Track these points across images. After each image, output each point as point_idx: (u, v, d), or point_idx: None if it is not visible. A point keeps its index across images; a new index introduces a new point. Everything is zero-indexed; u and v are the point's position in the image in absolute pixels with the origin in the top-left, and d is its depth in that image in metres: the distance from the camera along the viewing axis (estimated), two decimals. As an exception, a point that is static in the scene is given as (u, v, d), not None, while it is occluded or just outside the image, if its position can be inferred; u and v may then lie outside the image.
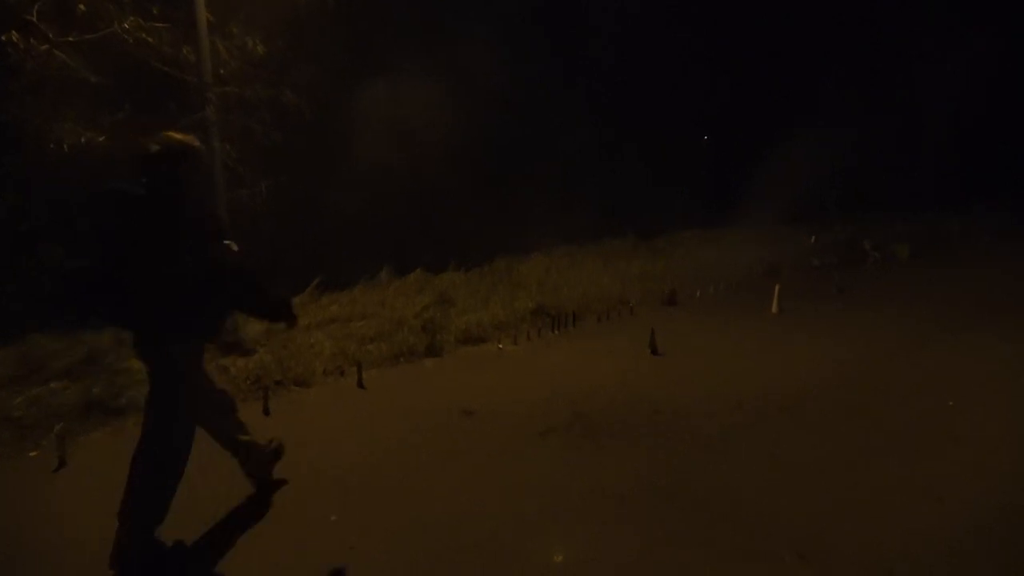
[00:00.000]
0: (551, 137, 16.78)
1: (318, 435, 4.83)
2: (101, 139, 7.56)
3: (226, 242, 3.21)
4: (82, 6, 7.32)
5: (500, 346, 6.99)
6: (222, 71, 8.42)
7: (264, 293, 3.36)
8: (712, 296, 9.15)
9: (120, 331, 6.46)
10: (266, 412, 5.39)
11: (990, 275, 9.90)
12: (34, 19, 7.22)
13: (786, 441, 4.50)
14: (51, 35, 7.33)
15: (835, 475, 4.01)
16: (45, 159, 7.51)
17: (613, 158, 17.49)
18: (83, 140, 7.46)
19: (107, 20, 7.46)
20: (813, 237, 12.69)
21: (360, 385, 5.92)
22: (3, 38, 7.06)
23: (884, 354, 6.36)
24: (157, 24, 7.75)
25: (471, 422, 5.04)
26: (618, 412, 5.08)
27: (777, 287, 8.05)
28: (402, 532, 3.53)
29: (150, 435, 3.28)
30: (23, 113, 7.50)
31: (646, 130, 17.88)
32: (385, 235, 13.12)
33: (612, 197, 16.61)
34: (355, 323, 7.81)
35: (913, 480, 3.92)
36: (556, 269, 11.16)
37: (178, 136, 3.20)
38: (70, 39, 7.43)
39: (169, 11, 7.87)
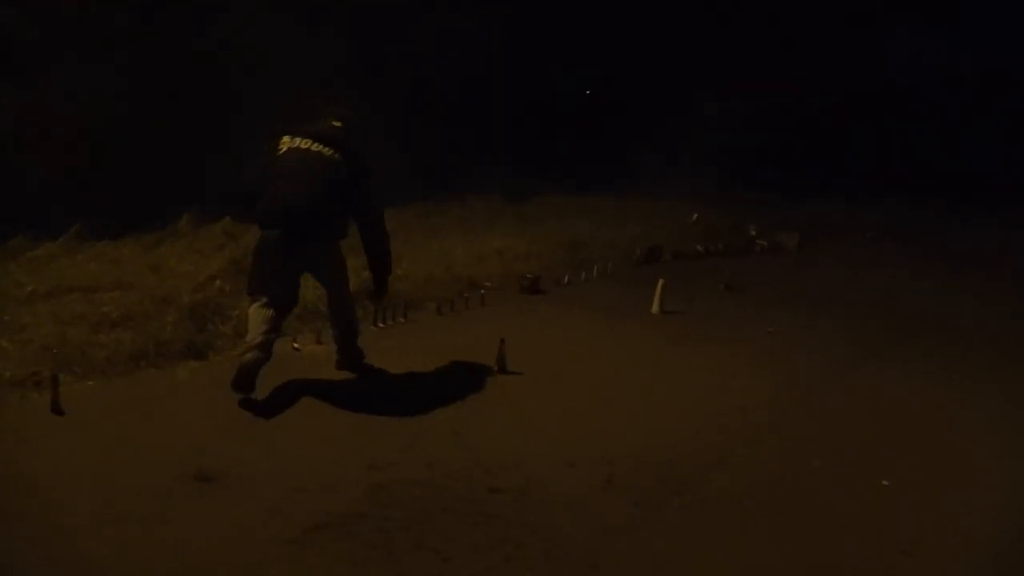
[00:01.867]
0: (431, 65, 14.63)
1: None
2: None
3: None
4: None
5: (296, 345, 5.11)
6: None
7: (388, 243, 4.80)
8: (583, 284, 7.60)
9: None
10: None
11: (886, 275, 8.95)
12: None
13: (676, 551, 2.96)
14: None
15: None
16: None
17: (492, 97, 15.54)
18: None
19: None
20: (695, 215, 11.47)
21: (55, 410, 3.87)
22: None
23: (785, 386, 5.02)
24: None
25: (204, 500, 3.17)
26: (440, 484, 3.39)
27: (660, 284, 6.59)
28: None
29: (341, 293, 4.71)
30: None
31: (531, 74, 16.04)
32: (202, 170, 10.62)
33: (486, 145, 14.77)
34: (105, 294, 5.63)
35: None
36: (404, 232, 9.24)
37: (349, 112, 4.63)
38: None
39: None
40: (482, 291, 6.65)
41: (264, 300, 4.24)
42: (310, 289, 5.79)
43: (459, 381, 4.68)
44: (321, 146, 4.32)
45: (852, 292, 8.05)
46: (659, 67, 17.13)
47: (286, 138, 4.40)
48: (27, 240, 7.35)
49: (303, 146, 4.31)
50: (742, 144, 15.64)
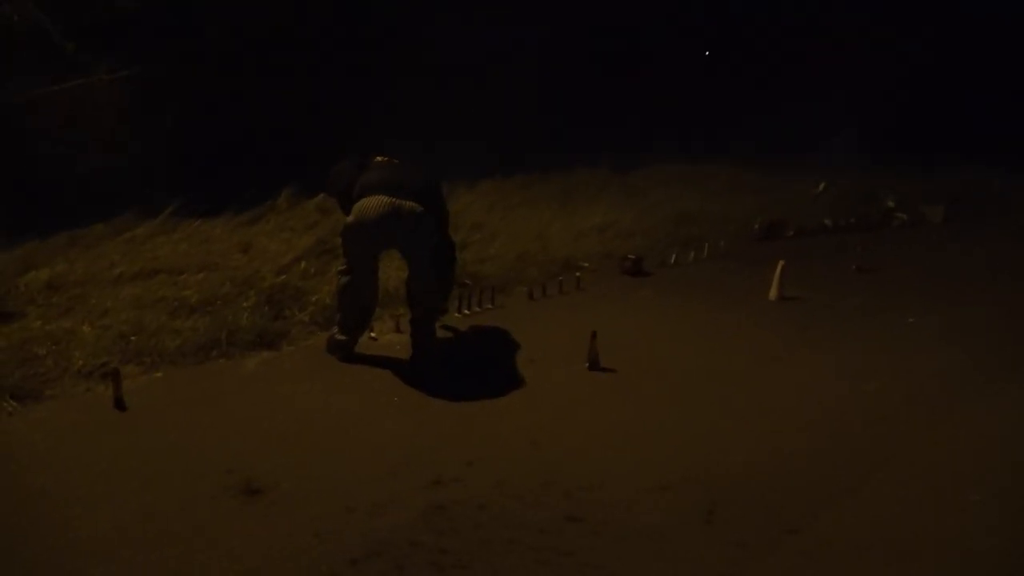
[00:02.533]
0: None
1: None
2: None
3: None
4: None
5: (373, 335, 4.77)
6: None
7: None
8: (691, 265, 6.89)
9: None
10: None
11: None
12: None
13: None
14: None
15: None
16: None
17: (594, 65, 14.75)
18: None
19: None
20: (821, 184, 10.34)
21: (118, 405, 3.70)
22: None
23: (931, 393, 4.23)
24: None
25: (247, 516, 2.87)
26: (507, 514, 2.94)
27: (780, 265, 5.82)
28: None
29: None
30: None
31: (637, 36, 15.10)
32: (303, 145, 10.56)
33: (589, 113, 14.04)
34: (189, 276, 5.52)
35: None
36: (502, 207, 8.83)
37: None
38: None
39: None
40: (578, 273, 6.11)
41: None
42: (393, 273, 5.48)
43: (543, 380, 4.21)
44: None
45: (1009, 276, 6.91)
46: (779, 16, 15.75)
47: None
48: (132, 217, 7.43)
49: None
50: (877, 100, 14.12)
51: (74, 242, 6.62)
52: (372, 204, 4.12)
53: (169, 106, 9.00)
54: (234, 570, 2.53)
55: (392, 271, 5.77)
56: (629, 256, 6.43)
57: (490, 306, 5.43)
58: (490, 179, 10.26)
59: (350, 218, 4.23)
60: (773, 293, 5.83)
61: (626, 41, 15.14)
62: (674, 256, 6.85)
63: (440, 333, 4.68)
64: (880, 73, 14.68)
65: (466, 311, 5.29)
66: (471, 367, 4.44)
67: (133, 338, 4.42)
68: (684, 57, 16.18)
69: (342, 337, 4.37)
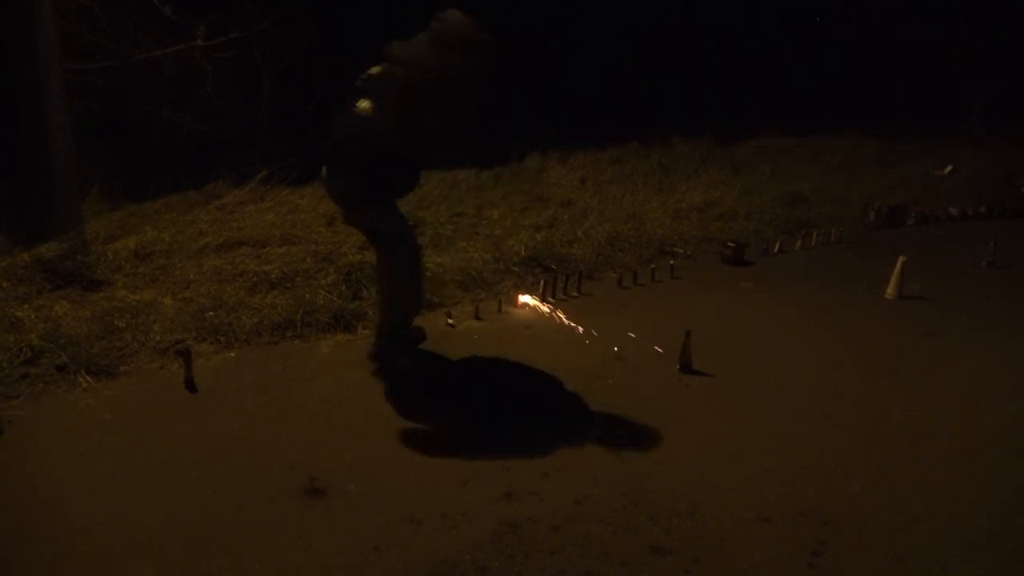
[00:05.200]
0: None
1: (27, 503, 2.57)
2: None
3: None
4: None
5: (450, 321, 4.53)
6: None
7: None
8: (800, 254, 6.33)
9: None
10: None
11: None
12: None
13: None
14: None
15: None
16: None
17: (694, 32, 13.97)
18: None
19: None
20: (948, 167, 9.43)
21: (189, 386, 3.62)
22: None
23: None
24: None
25: (307, 521, 2.69)
26: (585, 536, 2.65)
27: (900, 261, 5.22)
28: None
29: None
30: None
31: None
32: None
33: (692, 82, 13.33)
34: (271, 250, 5.44)
35: None
36: (595, 181, 8.44)
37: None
38: None
39: None
40: (672, 261, 5.69)
41: None
42: (476, 254, 5.23)
43: (630, 383, 3.86)
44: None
45: None
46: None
47: None
48: (225, 184, 7.47)
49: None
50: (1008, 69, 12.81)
51: (168, 208, 6.69)
52: None
53: (265, 73, 9.01)
54: (285, 580, 2.35)
55: (474, 252, 5.54)
56: (729, 243, 5.94)
57: (576, 294, 5.09)
58: (584, 151, 9.86)
59: None
60: (891, 291, 5.25)
61: (736, 7, 14.30)
62: (780, 243, 6.30)
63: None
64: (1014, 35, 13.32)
65: (551, 300, 4.97)
66: (544, 369, 4.12)
67: (210, 313, 4.35)
68: (798, 24, 15.16)
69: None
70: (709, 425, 3.49)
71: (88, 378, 3.59)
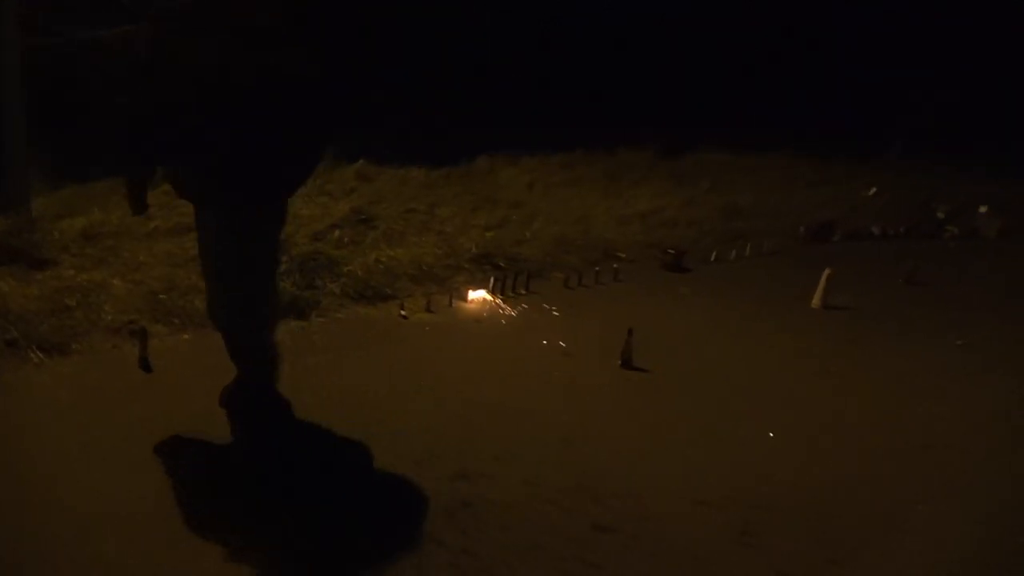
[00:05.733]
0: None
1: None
2: None
3: None
4: None
5: (403, 312, 4.66)
6: None
7: None
8: (735, 263, 6.68)
9: None
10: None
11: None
12: None
13: None
14: None
15: None
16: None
17: (649, 41, 14.35)
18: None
19: None
20: (872, 189, 10.03)
21: (143, 365, 3.65)
22: None
23: (984, 419, 4.01)
24: None
25: (274, 489, 2.79)
26: (534, 516, 2.82)
27: (825, 273, 5.59)
28: None
29: None
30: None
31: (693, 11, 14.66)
32: (348, 104, 10.42)
33: (639, 92, 13.70)
34: (224, 236, 5.43)
35: None
36: (543, 185, 8.67)
37: None
38: None
39: None
40: (616, 265, 5.93)
41: None
42: (428, 248, 5.37)
43: (577, 374, 4.07)
44: None
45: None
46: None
47: None
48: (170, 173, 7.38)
49: None
50: (940, 95, 13.60)
51: (113, 190, 6.58)
52: None
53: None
54: (244, 557, 2.44)
55: (426, 247, 5.67)
56: (669, 250, 6.24)
57: (523, 292, 5.27)
58: (531, 155, 10.07)
59: None
60: (816, 301, 5.61)
61: (678, 17, 14.74)
62: (715, 253, 6.63)
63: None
64: (948, 67, 14.09)
65: (499, 295, 5.14)
66: (493, 359, 4.29)
67: (163, 296, 4.36)
68: (741, 41, 15.68)
69: None
70: (648, 417, 3.72)
71: (40, 354, 3.58)
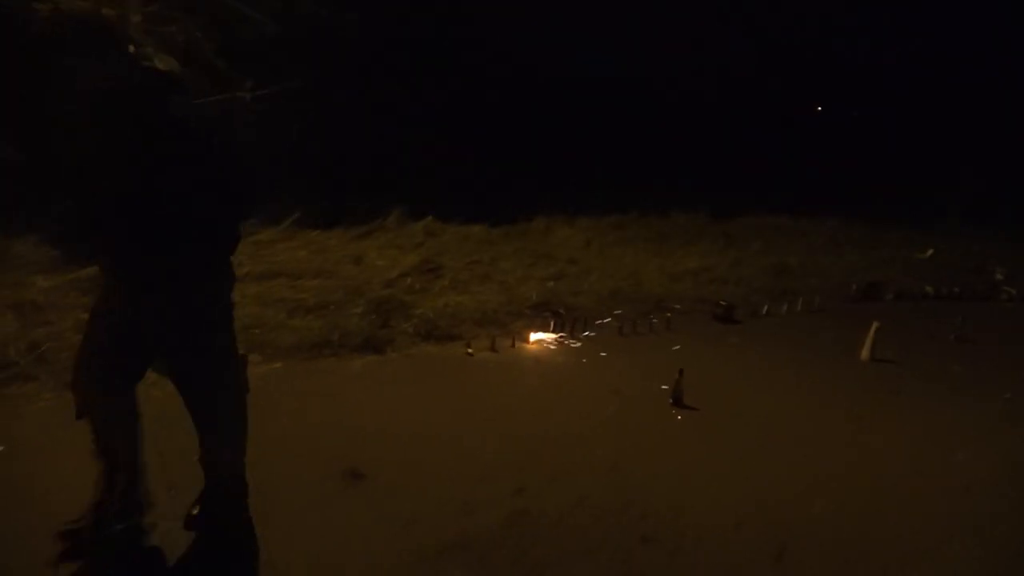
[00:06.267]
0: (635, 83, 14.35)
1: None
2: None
3: None
4: None
5: (469, 351, 5.06)
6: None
7: None
8: (784, 318, 6.91)
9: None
10: (79, 414, 3.61)
11: None
12: None
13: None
14: None
15: None
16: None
17: (703, 114, 14.91)
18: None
19: None
20: (929, 251, 10.14)
21: (245, 387, 4.11)
22: None
23: (1013, 475, 4.12)
24: None
25: (349, 496, 3.17)
26: (584, 527, 3.13)
27: (874, 326, 5.80)
28: None
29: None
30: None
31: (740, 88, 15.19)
32: (413, 169, 11.21)
33: (693, 162, 14.20)
34: (305, 282, 5.99)
35: None
36: (598, 244, 9.09)
37: None
38: None
39: None
40: (669, 314, 6.25)
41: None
42: (492, 296, 5.78)
43: (628, 410, 4.38)
44: None
45: None
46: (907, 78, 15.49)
47: None
48: (257, 224, 8.07)
49: None
50: (997, 164, 13.71)
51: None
52: None
53: (298, 124, 9.73)
54: (332, 547, 2.81)
55: (489, 295, 6.10)
56: (721, 302, 6.53)
57: (581, 337, 5.62)
58: (587, 216, 10.55)
59: None
60: (865, 354, 5.81)
61: (733, 89, 15.27)
62: (766, 307, 6.88)
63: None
64: (998, 138, 14.24)
65: (558, 338, 5.51)
66: (552, 393, 4.62)
67: (256, 331, 4.87)
68: (796, 109, 16.11)
69: None
70: (695, 449, 3.99)
71: (154, 375, 4.07)
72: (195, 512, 2.81)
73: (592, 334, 5.71)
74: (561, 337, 5.53)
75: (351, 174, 9.78)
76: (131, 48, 2.56)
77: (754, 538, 3.19)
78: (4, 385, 3.84)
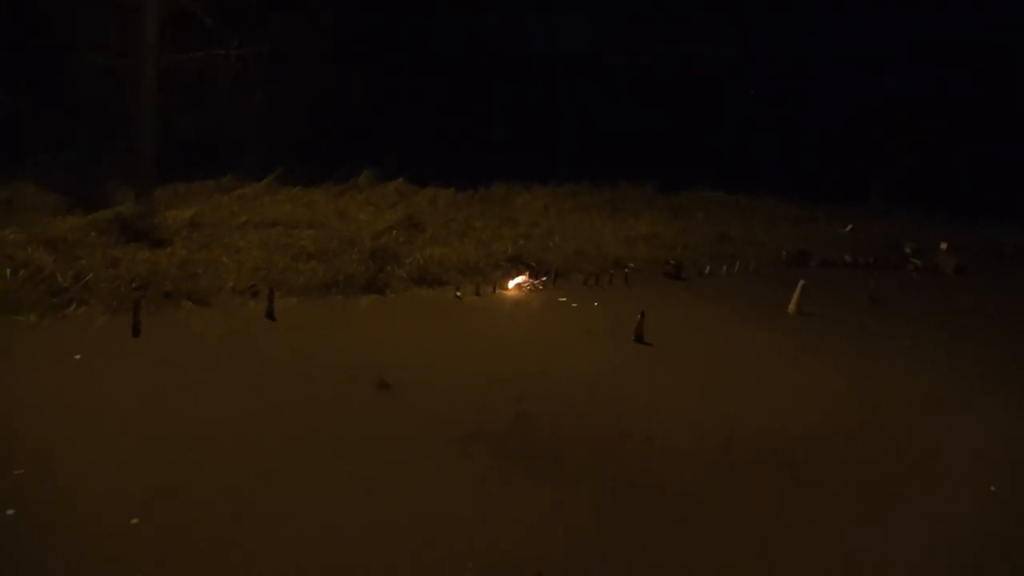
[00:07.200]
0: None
1: (182, 378, 3.66)
2: None
3: None
4: None
5: (458, 294, 5.75)
6: None
7: None
8: (724, 277, 7.83)
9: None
10: (135, 332, 4.19)
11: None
12: None
13: (783, 517, 3.29)
14: None
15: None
16: None
17: (649, 93, 15.77)
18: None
19: None
20: (849, 227, 11.27)
21: (269, 316, 4.72)
22: None
23: (914, 403, 5.07)
24: None
25: (380, 402, 3.84)
26: (575, 424, 3.88)
27: (800, 284, 6.73)
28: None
29: None
30: None
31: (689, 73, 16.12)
32: (381, 133, 11.73)
33: (639, 138, 15.07)
34: (301, 231, 6.54)
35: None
36: (556, 210, 9.83)
37: None
38: None
39: None
40: (626, 271, 7.06)
41: None
42: (470, 249, 6.45)
43: (599, 344, 5.15)
44: None
45: (1010, 322, 7.76)
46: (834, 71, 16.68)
47: None
48: (236, 179, 8.52)
49: None
50: (911, 156, 15.05)
51: (191, 192, 7.69)
52: None
53: (272, 85, 10.10)
54: (367, 439, 3.48)
55: (469, 248, 6.76)
56: (671, 261, 7.37)
57: (552, 284, 6.37)
58: (541, 185, 11.28)
59: None
60: (793, 307, 6.73)
61: (676, 71, 16.17)
62: (709, 268, 7.77)
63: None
64: (922, 132, 15.56)
65: (531, 288, 6.24)
66: (539, 327, 5.35)
67: (265, 272, 5.43)
68: (734, 95, 17.14)
69: None
70: (655, 373, 4.80)
71: (190, 303, 4.63)
72: None
73: (558, 284, 6.44)
74: (535, 285, 6.25)
75: (323, 137, 10.23)
76: None
77: (707, 432, 4.00)
78: (62, 308, 4.33)
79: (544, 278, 6.17)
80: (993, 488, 3.85)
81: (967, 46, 15.65)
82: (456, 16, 13.48)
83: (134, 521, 2.60)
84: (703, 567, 2.80)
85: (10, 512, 2.57)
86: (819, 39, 16.53)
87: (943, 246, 10.28)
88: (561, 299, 6.14)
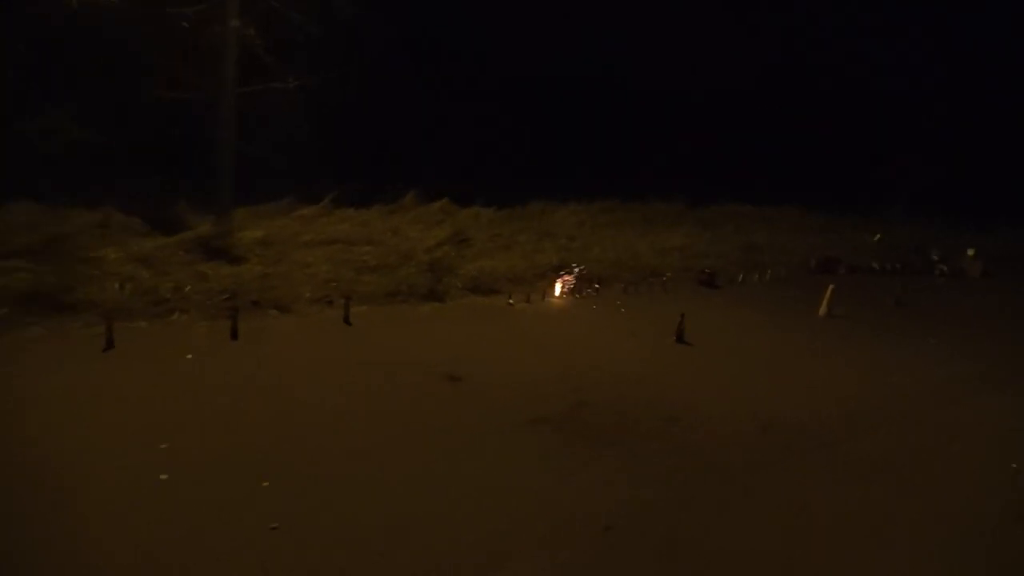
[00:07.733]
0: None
1: (282, 372, 4.18)
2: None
3: None
4: None
5: (511, 301, 6.24)
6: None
7: None
8: (756, 284, 8.24)
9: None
10: (234, 335, 4.73)
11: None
12: None
13: (817, 491, 3.70)
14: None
15: (865, 543, 3.25)
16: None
17: (678, 113, 16.25)
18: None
19: None
20: (877, 236, 11.59)
21: (346, 321, 5.24)
22: None
23: (939, 394, 5.43)
24: None
25: (454, 391, 4.32)
26: (628, 410, 4.32)
27: (830, 288, 7.13)
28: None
29: None
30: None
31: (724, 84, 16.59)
32: (423, 156, 12.35)
33: (667, 156, 15.54)
34: (360, 248, 7.08)
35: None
36: (591, 225, 10.30)
37: None
38: None
39: None
40: (664, 279, 7.50)
41: None
42: (517, 261, 6.95)
43: (643, 344, 5.60)
44: None
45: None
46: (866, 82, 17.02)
47: None
48: (295, 202, 9.12)
49: None
50: (940, 163, 15.35)
51: (253, 215, 8.29)
52: None
53: (327, 114, 10.74)
54: (445, 420, 3.95)
55: (516, 260, 7.26)
56: (705, 270, 7.80)
57: (597, 286, 6.84)
58: (575, 202, 11.78)
59: None
60: (823, 310, 7.12)
61: (700, 90, 16.65)
62: (741, 276, 8.18)
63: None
64: (945, 140, 15.85)
65: (580, 295, 6.71)
66: (588, 328, 5.82)
67: (335, 283, 5.96)
68: (758, 111, 17.55)
69: None
70: (696, 369, 5.23)
71: (275, 311, 5.17)
72: None
73: (603, 295, 6.91)
74: (580, 293, 6.72)
75: (371, 161, 10.84)
76: None
77: (746, 418, 4.42)
78: (166, 315, 4.90)
79: (597, 285, 6.63)
80: (1015, 465, 4.23)
81: (990, 53, 15.97)
82: (489, 45, 14.11)
83: (265, 484, 3.10)
84: (745, 528, 3.24)
85: (163, 477, 3.09)
86: (841, 53, 16.92)
87: (970, 252, 10.57)
88: (603, 306, 6.60)
